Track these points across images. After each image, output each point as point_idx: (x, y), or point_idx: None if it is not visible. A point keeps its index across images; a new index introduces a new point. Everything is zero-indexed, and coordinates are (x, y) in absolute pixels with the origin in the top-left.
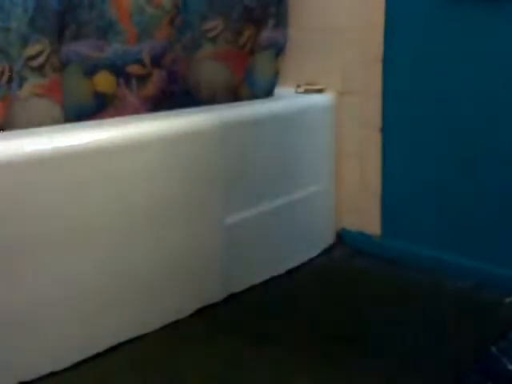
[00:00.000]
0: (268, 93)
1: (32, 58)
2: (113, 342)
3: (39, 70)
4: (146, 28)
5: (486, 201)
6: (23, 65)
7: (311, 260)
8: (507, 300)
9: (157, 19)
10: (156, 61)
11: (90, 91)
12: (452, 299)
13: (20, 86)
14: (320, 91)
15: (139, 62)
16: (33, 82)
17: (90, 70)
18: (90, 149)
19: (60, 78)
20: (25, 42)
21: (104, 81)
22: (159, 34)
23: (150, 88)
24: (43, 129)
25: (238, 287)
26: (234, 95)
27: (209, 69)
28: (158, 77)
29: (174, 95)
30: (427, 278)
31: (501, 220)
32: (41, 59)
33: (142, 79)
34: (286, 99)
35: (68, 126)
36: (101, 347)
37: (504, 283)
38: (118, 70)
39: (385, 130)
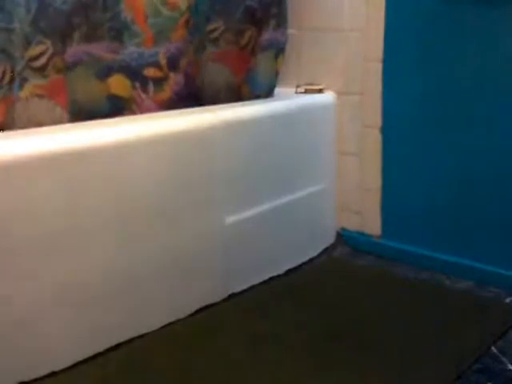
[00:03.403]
0: (268, 93)
1: (34, 58)
2: (113, 341)
3: (41, 70)
4: (161, 30)
5: (486, 201)
6: (25, 65)
7: (311, 260)
8: (507, 300)
9: (172, 21)
10: (172, 63)
11: (103, 94)
12: (452, 299)
13: (21, 86)
14: (320, 91)
15: (156, 64)
16: (33, 83)
17: (104, 73)
18: (90, 149)
19: (63, 79)
20: (27, 42)
21: (118, 84)
22: (175, 35)
23: (167, 91)
24: (44, 129)
25: (238, 287)
26: (235, 95)
27: (211, 70)
28: (174, 80)
29: (188, 98)
30: (427, 278)
31: (501, 220)
32: (43, 60)
33: (159, 82)
34: (286, 99)
35: (68, 125)
36: (101, 347)
37: (504, 283)
38: (133, 73)
39: (385, 129)
